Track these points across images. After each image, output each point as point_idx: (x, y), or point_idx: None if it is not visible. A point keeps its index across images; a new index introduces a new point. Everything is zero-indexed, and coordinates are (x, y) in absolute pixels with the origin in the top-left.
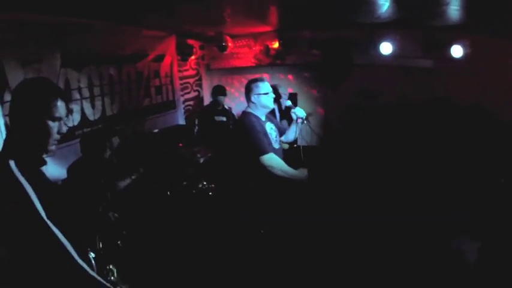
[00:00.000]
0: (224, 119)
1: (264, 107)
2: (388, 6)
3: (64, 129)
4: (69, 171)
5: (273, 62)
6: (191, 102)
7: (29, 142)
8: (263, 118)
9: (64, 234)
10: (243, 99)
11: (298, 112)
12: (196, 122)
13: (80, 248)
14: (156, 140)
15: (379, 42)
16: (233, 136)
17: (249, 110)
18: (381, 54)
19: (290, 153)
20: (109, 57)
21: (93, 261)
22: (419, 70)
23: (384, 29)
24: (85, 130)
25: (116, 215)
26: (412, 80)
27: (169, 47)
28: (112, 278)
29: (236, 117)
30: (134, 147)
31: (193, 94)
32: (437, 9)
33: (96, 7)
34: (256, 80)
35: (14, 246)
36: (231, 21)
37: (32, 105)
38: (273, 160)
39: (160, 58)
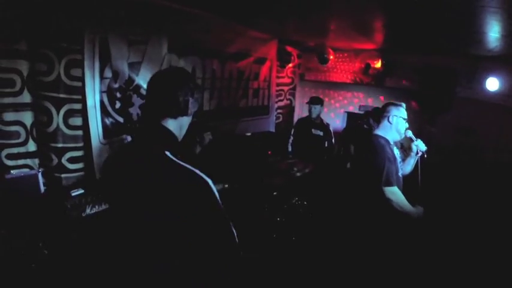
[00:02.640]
0: (321, 133)
1: (399, 132)
2: (505, 41)
3: None
4: None
5: (371, 82)
6: (282, 111)
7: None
8: (391, 142)
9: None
10: (333, 115)
11: (420, 145)
12: (292, 132)
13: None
14: (249, 144)
15: (485, 77)
16: (359, 158)
17: (379, 132)
18: (485, 90)
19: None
20: (214, 52)
21: None
22: None
23: (491, 62)
24: None
25: None
26: None
27: (271, 50)
28: None
29: (332, 133)
30: (227, 147)
31: (285, 102)
32: None
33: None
34: (396, 104)
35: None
36: (336, 32)
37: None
38: (395, 194)
39: (261, 61)
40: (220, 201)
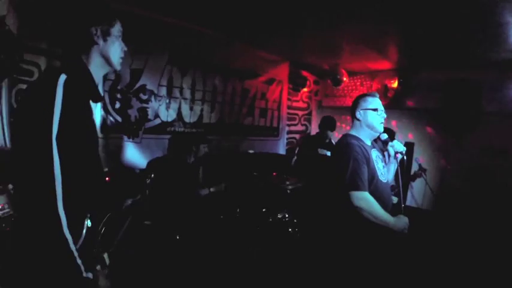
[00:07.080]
0: (328, 153)
1: (370, 126)
2: None
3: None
4: (148, 165)
5: (390, 104)
6: (296, 135)
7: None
8: (368, 142)
9: (65, 169)
10: None
11: (397, 146)
12: (296, 151)
13: (77, 201)
14: (248, 161)
15: None
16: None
17: (350, 131)
18: None
19: None
20: (217, 67)
21: (84, 230)
22: None
23: None
24: (177, 129)
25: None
26: None
27: (281, 72)
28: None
29: None
30: (223, 160)
31: (300, 127)
32: None
33: (216, 18)
34: (364, 95)
35: None
36: (349, 51)
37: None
38: (365, 201)
39: (270, 81)
40: None
